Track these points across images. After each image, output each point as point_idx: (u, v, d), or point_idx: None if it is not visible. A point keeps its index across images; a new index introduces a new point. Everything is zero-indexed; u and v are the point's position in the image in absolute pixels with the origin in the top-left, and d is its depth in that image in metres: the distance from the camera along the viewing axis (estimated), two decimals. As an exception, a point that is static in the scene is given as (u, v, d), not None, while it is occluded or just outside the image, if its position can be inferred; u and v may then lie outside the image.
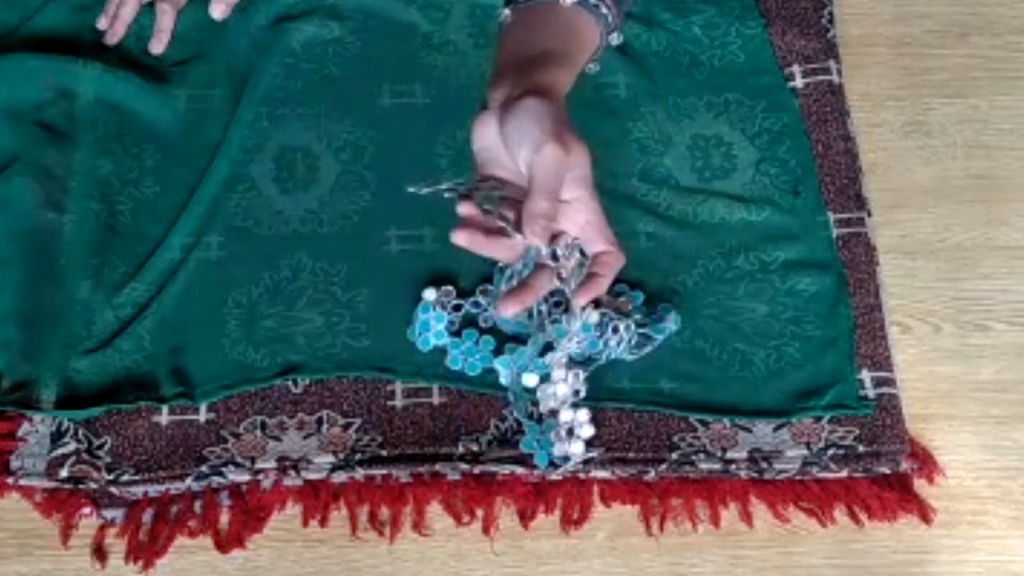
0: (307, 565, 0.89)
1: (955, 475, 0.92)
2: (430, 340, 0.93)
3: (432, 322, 0.93)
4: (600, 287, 0.87)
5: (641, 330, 0.92)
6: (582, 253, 0.88)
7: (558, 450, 0.87)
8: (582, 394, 0.89)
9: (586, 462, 0.89)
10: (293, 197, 1.00)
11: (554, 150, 0.83)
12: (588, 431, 0.88)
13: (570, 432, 0.88)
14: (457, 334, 0.94)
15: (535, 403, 0.91)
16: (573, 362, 0.91)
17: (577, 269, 0.87)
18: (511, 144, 0.85)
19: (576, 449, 0.87)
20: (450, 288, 0.95)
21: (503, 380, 0.92)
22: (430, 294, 0.94)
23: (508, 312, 0.86)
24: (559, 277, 0.87)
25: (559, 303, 0.93)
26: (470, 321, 0.94)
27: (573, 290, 0.87)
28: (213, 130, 1.03)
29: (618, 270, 0.88)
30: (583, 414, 0.88)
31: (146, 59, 1.06)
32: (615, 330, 0.91)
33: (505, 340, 0.93)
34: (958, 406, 0.94)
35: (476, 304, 0.94)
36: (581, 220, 0.87)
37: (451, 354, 0.93)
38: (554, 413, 0.88)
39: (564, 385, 0.88)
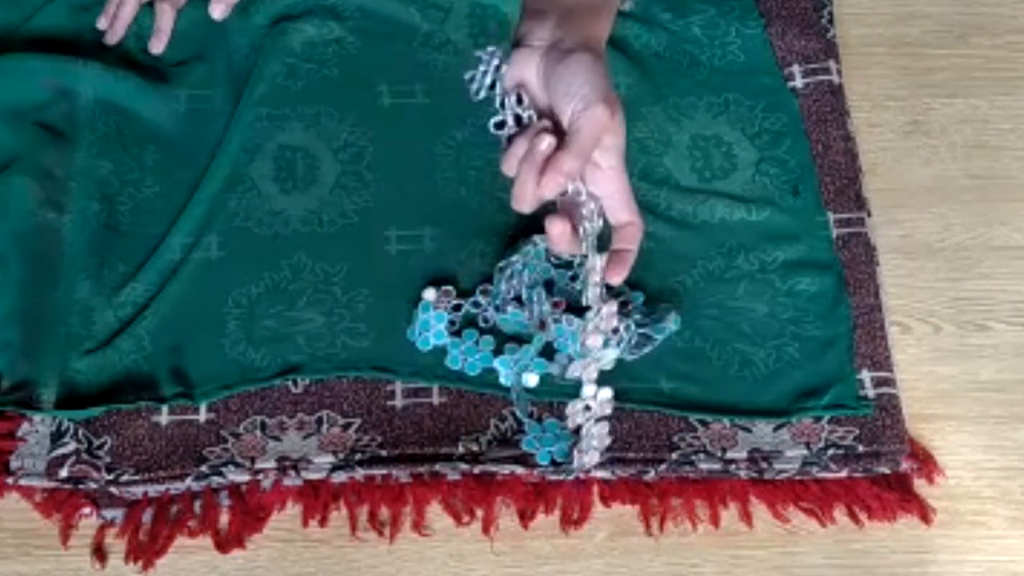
0: (307, 565, 0.89)
1: (955, 475, 0.92)
2: (430, 340, 0.93)
3: (432, 322, 0.93)
4: (629, 261, 0.87)
5: (641, 330, 0.92)
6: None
7: (577, 461, 0.87)
8: (608, 410, 0.87)
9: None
10: (293, 197, 1.00)
11: (603, 112, 0.82)
12: (607, 442, 0.88)
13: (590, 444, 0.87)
14: (457, 334, 0.94)
15: (536, 403, 0.91)
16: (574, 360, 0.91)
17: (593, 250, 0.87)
18: (555, 92, 0.84)
19: (593, 460, 0.87)
20: (450, 288, 0.95)
21: (503, 380, 0.92)
22: (430, 294, 0.94)
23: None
24: (577, 230, 0.85)
25: (558, 303, 0.93)
26: (470, 321, 0.94)
27: (592, 268, 0.86)
28: (213, 130, 1.02)
29: (640, 242, 0.87)
30: (604, 427, 0.87)
31: (146, 59, 1.06)
32: (615, 330, 0.91)
33: (505, 340, 0.93)
34: (958, 406, 0.94)
35: (476, 304, 0.94)
36: (610, 189, 0.86)
37: (451, 354, 0.93)
38: (578, 429, 0.87)
39: (601, 400, 0.87)
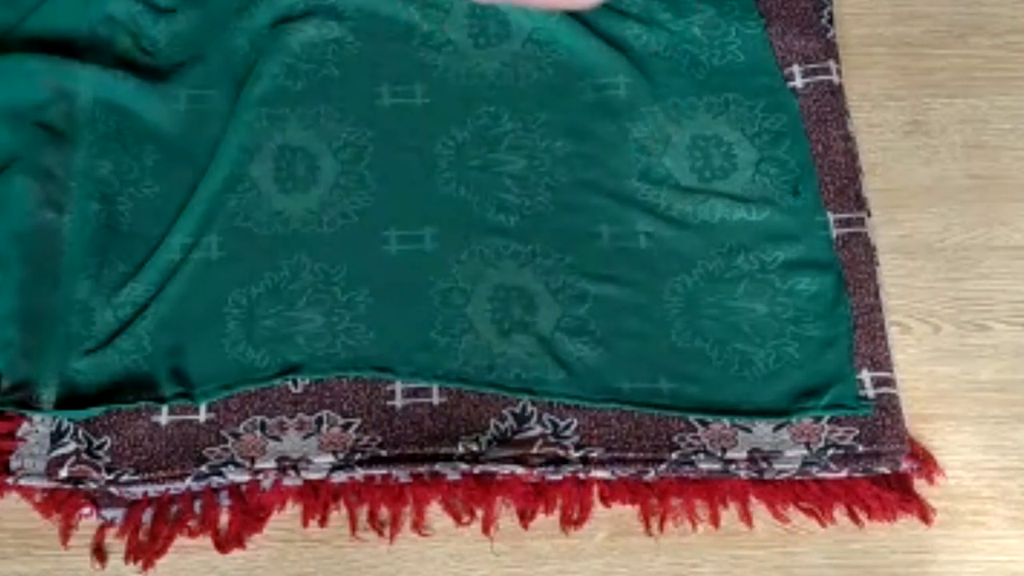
0: (307, 565, 0.89)
1: (955, 475, 0.92)
2: None
3: None
4: None
5: None
6: None
7: None
8: None
9: (585, 462, 0.89)
10: (293, 197, 1.00)
11: None
12: None
13: None
14: None
15: None
16: None
17: None
18: None
19: None
20: None
21: None
22: None
23: None
24: None
25: None
26: None
27: None
28: (213, 130, 1.02)
29: None
30: None
31: (145, 59, 1.06)
32: None
33: None
34: (958, 406, 0.94)
35: None
36: None
37: None
38: None
39: None
